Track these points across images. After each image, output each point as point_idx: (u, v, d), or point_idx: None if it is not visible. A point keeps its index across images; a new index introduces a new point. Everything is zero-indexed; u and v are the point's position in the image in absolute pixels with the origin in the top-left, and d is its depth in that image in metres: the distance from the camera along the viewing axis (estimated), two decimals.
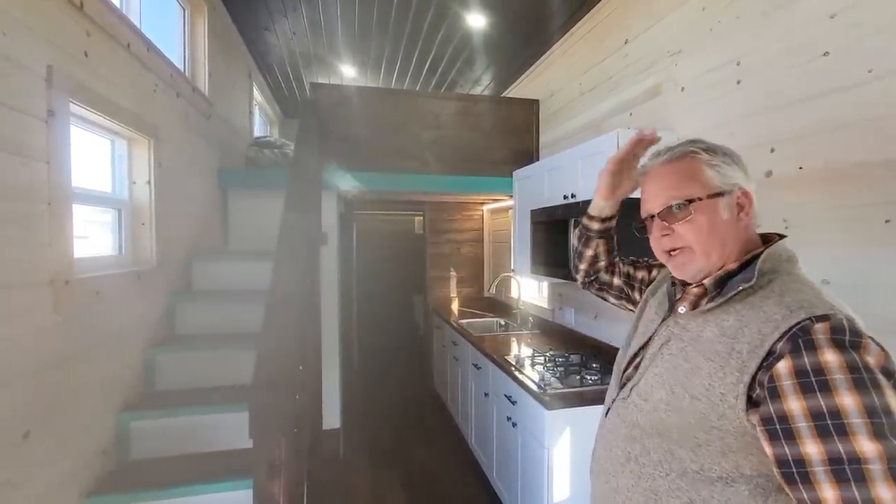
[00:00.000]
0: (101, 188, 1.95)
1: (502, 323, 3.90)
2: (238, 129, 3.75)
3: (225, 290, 2.55)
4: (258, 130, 4.82)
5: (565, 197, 2.52)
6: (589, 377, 2.29)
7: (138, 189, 2.09)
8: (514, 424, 2.45)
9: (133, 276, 1.94)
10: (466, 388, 3.45)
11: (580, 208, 2.25)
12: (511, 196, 3.78)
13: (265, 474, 1.18)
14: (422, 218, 5.34)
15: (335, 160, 3.27)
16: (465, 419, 3.51)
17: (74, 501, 1.51)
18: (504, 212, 4.53)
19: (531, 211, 2.87)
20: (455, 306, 4.94)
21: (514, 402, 2.44)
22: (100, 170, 1.99)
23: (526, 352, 2.86)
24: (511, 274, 4.05)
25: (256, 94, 4.59)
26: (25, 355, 1.31)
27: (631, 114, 2.52)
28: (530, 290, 4.02)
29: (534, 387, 2.20)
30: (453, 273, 4.99)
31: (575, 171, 2.46)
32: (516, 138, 3.71)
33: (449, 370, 4.04)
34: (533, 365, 2.56)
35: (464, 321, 4.04)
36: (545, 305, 3.60)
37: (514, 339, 3.29)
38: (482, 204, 4.98)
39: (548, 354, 2.71)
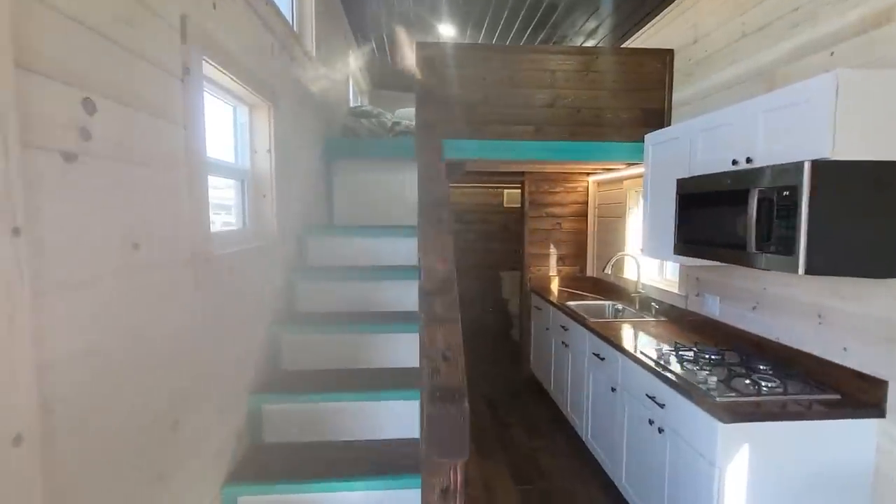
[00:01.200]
0: (225, 159, 1.84)
1: (619, 307, 3.50)
2: (338, 98, 3.61)
3: (339, 266, 2.43)
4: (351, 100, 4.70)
5: (734, 162, 2.05)
6: (764, 384, 1.88)
7: (259, 159, 1.97)
8: (660, 430, 2.11)
9: (257, 252, 1.83)
10: (581, 379, 3.14)
11: (763, 176, 1.79)
12: (632, 164, 3.31)
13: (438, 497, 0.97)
14: (516, 191, 4.98)
15: (439, 127, 3.01)
16: (577, 411, 3.21)
17: (215, 493, 1.44)
18: (616, 184, 4.04)
19: (679, 181, 2.42)
20: (555, 286, 4.60)
21: (661, 406, 2.09)
22: (223, 139, 1.89)
23: (664, 344, 2.48)
24: (630, 254, 3.61)
25: (351, 61, 4.43)
26: (172, 340, 1.20)
27: (833, 53, 1.97)
28: (649, 272, 3.56)
29: (695, 390, 1.84)
30: (553, 250, 4.62)
31: (751, 129, 1.97)
32: (644, 96, 3.20)
33: (554, 356, 3.74)
34: (681, 361, 2.18)
35: (572, 303, 3.70)
36: (673, 290, 3.15)
37: (638, 326, 2.90)
38: (588, 174, 4.51)
39: (695, 349, 2.31)
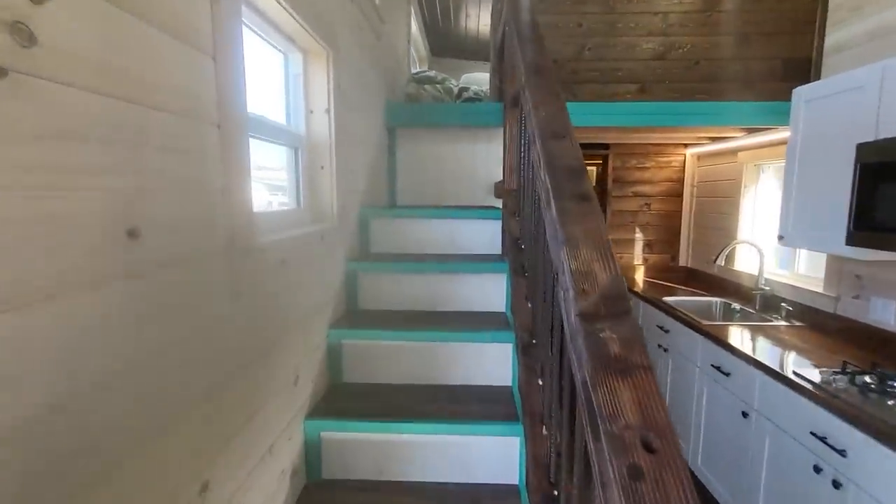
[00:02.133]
0: (275, 120, 1.45)
1: (733, 307, 2.88)
2: (399, 60, 3.17)
3: (409, 253, 2.02)
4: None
5: None
6: None
7: (316, 121, 1.57)
8: (835, 484, 1.56)
9: (316, 238, 1.45)
10: (687, 393, 2.59)
11: None
12: (756, 130, 2.65)
13: None
14: (593, 166, 4.37)
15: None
16: (681, 428, 2.68)
17: None
18: (725, 156, 3.35)
19: (861, 147, 1.79)
20: (640, 276, 4.00)
21: (840, 453, 1.54)
22: (270, 94, 1.50)
23: (822, 361, 1.89)
24: (751, 242, 2.96)
25: (413, 23, 3.97)
26: (195, 366, 0.83)
27: None
28: (768, 264, 2.90)
29: None
30: (639, 235, 4.00)
31: None
32: (785, 42, 2.51)
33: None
34: (864, 391, 1.61)
35: (669, 299, 3.12)
36: (812, 288, 2.50)
37: (769, 334, 2.31)
38: (685, 146, 3.83)
39: (876, 373, 1.72)
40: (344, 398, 1.52)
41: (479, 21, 4.38)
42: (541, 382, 1.29)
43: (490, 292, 1.84)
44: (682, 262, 3.95)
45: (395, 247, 2.06)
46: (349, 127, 1.81)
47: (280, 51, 1.48)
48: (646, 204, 3.98)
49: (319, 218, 1.60)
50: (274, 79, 1.51)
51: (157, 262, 0.73)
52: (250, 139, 1.08)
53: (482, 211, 2.06)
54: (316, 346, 1.47)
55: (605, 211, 4.06)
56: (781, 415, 1.84)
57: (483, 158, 2.78)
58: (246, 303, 1.00)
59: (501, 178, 2.56)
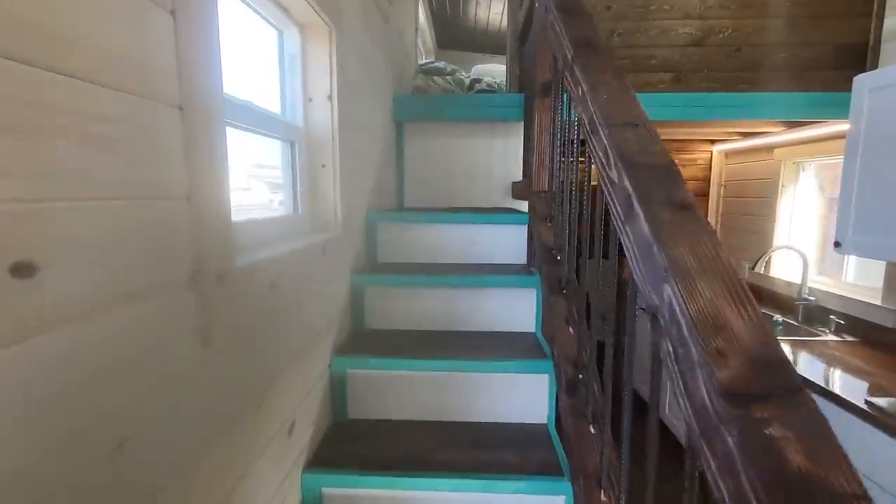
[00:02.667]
0: (265, 107, 1.20)
1: (776, 318, 2.63)
2: (407, 48, 2.92)
3: (422, 263, 1.78)
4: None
5: None
6: None
7: (316, 110, 1.32)
8: None
9: (317, 251, 1.20)
10: None
11: None
12: (799, 125, 2.40)
13: None
14: None
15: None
16: None
17: None
18: (759, 153, 3.10)
19: None
20: None
21: None
22: (261, 80, 1.25)
23: (892, 385, 1.64)
24: (794, 248, 2.71)
25: (420, 11, 3.72)
26: (146, 450, 0.59)
27: None
28: (810, 272, 2.65)
29: None
30: None
31: None
32: (837, 26, 2.26)
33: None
34: None
35: None
36: (867, 300, 2.25)
37: (820, 351, 2.06)
38: (712, 142, 3.58)
39: None
40: (349, 440, 1.27)
41: (489, 10, 4.13)
42: (593, 430, 1.04)
43: (517, 309, 1.59)
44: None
45: (406, 255, 1.81)
46: (355, 118, 1.56)
47: (273, 25, 1.24)
48: None
49: (321, 226, 1.36)
50: (266, 60, 1.26)
51: (69, 309, 0.48)
52: (232, 129, 0.84)
53: (504, 215, 1.81)
54: (316, 379, 1.23)
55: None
56: (853, 455, 1.59)
57: (500, 155, 2.53)
58: (222, 345, 0.75)
59: (521, 177, 2.32)
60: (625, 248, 0.71)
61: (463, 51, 5.19)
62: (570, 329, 1.25)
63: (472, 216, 1.79)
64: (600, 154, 0.84)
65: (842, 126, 2.44)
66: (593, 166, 0.91)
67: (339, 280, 1.41)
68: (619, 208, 0.73)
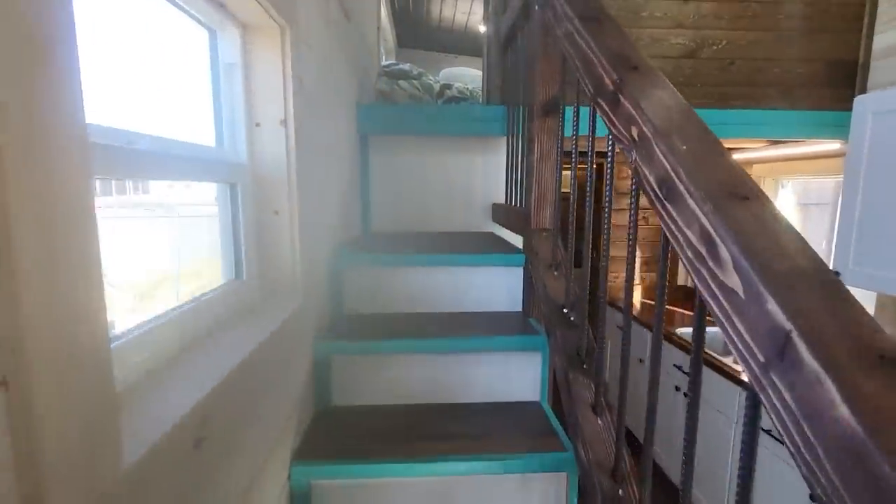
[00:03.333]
0: (188, 139, 0.86)
1: None
2: (370, 48, 2.58)
3: (399, 314, 1.48)
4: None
5: None
6: None
7: (266, 139, 0.99)
8: None
9: (273, 344, 0.87)
10: (725, 449, 2.22)
11: None
12: (779, 143, 2.30)
13: None
14: (583, 170, 3.95)
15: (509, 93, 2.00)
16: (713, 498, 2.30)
17: None
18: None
19: None
20: (637, 297, 3.65)
21: None
22: (187, 100, 0.91)
23: None
24: None
25: (382, 8, 3.38)
26: None
27: None
28: None
29: None
30: (637, 253, 3.63)
31: None
32: (829, 41, 2.16)
33: (665, 405, 2.80)
34: None
35: (682, 330, 2.77)
36: None
37: None
38: None
39: None
40: None
41: (455, 9, 3.85)
42: None
43: (516, 378, 1.33)
44: (680, 280, 3.62)
45: (380, 304, 1.50)
46: (317, 141, 1.23)
47: (201, 23, 0.89)
48: (643, 217, 3.61)
49: (275, 294, 1.03)
50: (191, 71, 0.92)
51: None
52: (125, 180, 0.52)
53: (495, 256, 1.54)
54: (274, 500, 0.90)
55: (606, 227, 3.66)
56: None
57: (479, 173, 2.26)
58: None
59: (503, 198, 2.07)
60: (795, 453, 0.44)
61: (427, 50, 4.88)
62: (599, 420, 1.00)
63: (458, 258, 1.51)
64: (693, 238, 0.59)
65: (825, 145, 2.37)
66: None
67: (299, 359, 1.09)
68: (756, 350, 0.47)
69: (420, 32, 4.41)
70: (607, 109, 0.84)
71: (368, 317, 1.46)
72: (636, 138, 0.73)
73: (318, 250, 1.26)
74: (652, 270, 3.65)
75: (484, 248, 1.76)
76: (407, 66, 3.09)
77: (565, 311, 1.21)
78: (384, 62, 3.29)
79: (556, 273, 1.30)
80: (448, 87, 2.88)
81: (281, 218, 1.02)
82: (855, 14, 2.13)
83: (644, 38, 2.11)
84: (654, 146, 0.68)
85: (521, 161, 1.67)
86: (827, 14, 2.13)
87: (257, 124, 0.98)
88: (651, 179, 0.70)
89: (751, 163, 2.89)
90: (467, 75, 3.18)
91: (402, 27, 4.35)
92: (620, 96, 0.79)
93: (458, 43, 4.56)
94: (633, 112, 0.74)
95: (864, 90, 2.14)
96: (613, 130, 0.82)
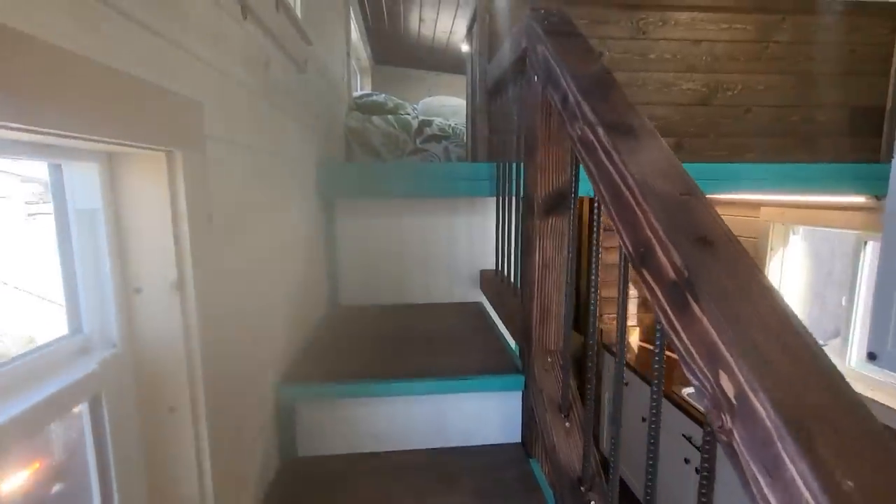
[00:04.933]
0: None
1: None
2: (336, 84, 2.26)
3: (365, 455, 1.16)
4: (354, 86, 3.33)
5: None
6: None
7: (152, 310, 0.67)
8: None
9: None
10: None
11: None
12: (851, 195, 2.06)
13: None
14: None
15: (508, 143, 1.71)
16: None
17: None
18: (744, 209, 2.79)
19: None
20: (635, 340, 3.41)
21: None
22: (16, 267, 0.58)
23: None
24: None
25: (353, 27, 3.05)
26: None
27: None
28: None
29: None
30: (632, 292, 3.39)
31: None
32: (852, 86, 1.92)
33: (669, 475, 2.54)
34: None
35: (691, 392, 2.52)
36: (890, 401, 1.96)
37: None
38: None
39: None
40: None
41: (435, 29, 3.54)
42: None
43: None
44: None
45: (344, 444, 1.19)
46: (252, 245, 0.92)
47: (39, 156, 0.57)
48: None
49: None
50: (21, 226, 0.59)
51: None
52: None
53: (487, 379, 1.23)
54: None
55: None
56: None
57: (464, 236, 1.96)
58: None
59: (494, 266, 1.77)
60: None
61: (404, 67, 4.55)
62: None
63: (441, 384, 1.20)
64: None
65: (846, 197, 2.14)
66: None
67: None
68: None
69: (397, 49, 4.09)
70: (666, 306, 0.55)
71: (329, 460, 1.14)
72: (729, 396, 0.44)
73: (250, 402, 0.94)
74: (649, 310, 3.41)
75: (472, 342, 1.46)
76: (382, 98, 2.77)
77: (581, 484, 0.92)
78: (356, 93, 2.96)
79: (566, 423, 1.01)
80: (427, 123, 2.58)
81: (179, 416, 0.70)
82: (883, 55, 1.90)
83: (651, 83, 1.83)
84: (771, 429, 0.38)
85: (513, 233, 1.38)
86: (853, 56, 1.89)
87: (137, 290, 0.66)
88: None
89: (757, 205, 2.66)
90: (448, 107, 2.88)
91: (377, 43, 4.02)
92: (691, 303, 0.50)
93: (438, 60, 4.25)
94: (721, 348, 0.45)
95: (892, 139, 1.92)
96: (677, 344, 0.53)
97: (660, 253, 0.56)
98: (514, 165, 1.41)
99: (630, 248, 0.63)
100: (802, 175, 1.87)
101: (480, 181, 1.76)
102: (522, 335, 1.21)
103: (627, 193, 0.63)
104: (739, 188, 1.87)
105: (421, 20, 3.33)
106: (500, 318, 1.60)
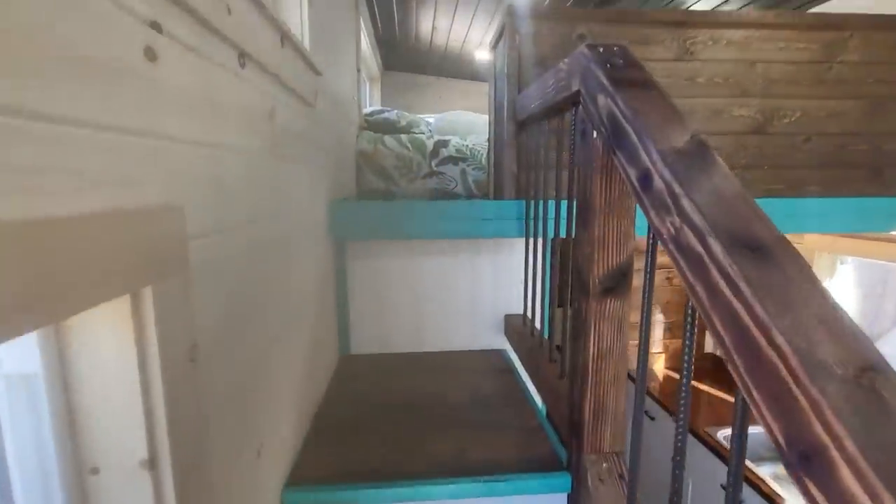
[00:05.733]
0: None
1: None
2: (346, 106, 2.08)
3: None
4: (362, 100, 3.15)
5: None
6: None
7: (113, 497, 0.49)
8: None
9: None
10: None
11: None
12: None
13: None
14: None
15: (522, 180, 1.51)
16: None
17: None
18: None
19: None
20: (660, 367, 3.21)
21: None
22: None
23: None
24: None
25: (363, 39, 2.86)
26: None
27: None
28: None
29: None
30: (659, 316, 3.20)
31: None
32: None
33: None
34: None
35: (722, 434, 2.32)
36: None
37: None
38: None
39: None
40: None
41: (448, 36, 3.34)
42: None
43: None
44: (707, 348, 3.20)
45: None
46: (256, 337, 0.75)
47: None
48: (666, 278, 3.17)
49: None
50: None
51: None
52: None
53: (527, 481, 1.06)
54: None
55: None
56: None
57: (488, 278, 1.78)
58: None
59: (522, 310, 1.59)
60: None
61: (414, 73, 4.36)
62: None
63: (470, 486, 1.02)
64: None
65: None
66: None
67: None
68: None
69: (407, 56, 3.90)
70: None
71: None
72: None
73: None
74: (676, 336, 3.21)
75: (501, 414, 1.28)
76: (394, 115, 2.59)
77: None
78: (367, 109, 2.77)
79: None
80: (443, 144, 2.39)
81: None
82: None
83: (700, 109, 1.63)
84: None
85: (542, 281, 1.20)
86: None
87: (93, 471, 0.49)
88: None
89: (800, 233, 2.45)
90: (462, 122, 2.69)
91: (388, 50, 3.83)
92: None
93: (450, 67, 4.05)
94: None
95: None
96: None
97: (848, 472, 0.38)
98: (543, 203, 1.25)
99: (781, 441, 0.44)
100: (870, 210, 1.67)
101: (507, 220, 1.58)
102: (570, 429, 1.03)
103: (776, 359, 0.45)
104: (796, 228, 1.67)
105: (434, 28, 3.13)
106: (532, 382, 1.42)
